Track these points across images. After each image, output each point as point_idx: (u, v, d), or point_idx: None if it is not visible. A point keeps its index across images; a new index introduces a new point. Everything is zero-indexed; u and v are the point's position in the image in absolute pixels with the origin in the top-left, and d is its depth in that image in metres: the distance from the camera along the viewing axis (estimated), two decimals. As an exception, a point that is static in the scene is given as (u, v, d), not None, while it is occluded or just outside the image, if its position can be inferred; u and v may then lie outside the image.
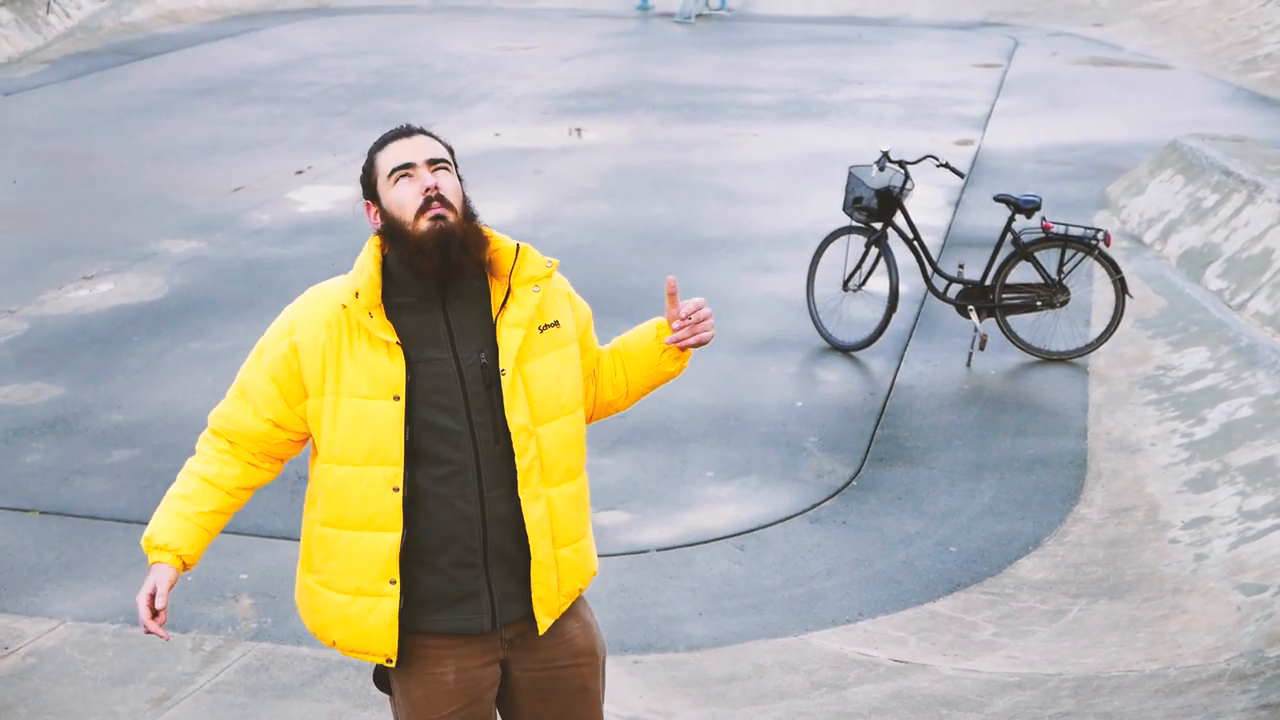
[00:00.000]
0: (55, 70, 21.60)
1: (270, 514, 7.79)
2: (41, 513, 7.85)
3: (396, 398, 3.70)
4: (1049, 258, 9.82)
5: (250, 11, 27.30)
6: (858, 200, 9.96)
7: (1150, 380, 9.41)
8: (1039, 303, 9.85)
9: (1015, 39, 24.17)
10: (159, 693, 6.15)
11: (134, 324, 10.65)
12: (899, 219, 10.09)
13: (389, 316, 3.74)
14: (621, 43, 24.36)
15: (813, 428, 8.97)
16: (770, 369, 9.88)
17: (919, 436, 8.88)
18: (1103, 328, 9.91)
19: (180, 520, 3.98)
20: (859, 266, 10.14)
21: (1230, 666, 5.72)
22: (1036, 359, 9.95)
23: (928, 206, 13.23)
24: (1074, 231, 9.71)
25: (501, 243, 3.83)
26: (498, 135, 17.02)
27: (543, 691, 3.99)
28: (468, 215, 3.77)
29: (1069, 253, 9.72)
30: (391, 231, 3.74)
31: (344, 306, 3.76)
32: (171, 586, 3.88)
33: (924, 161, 10.39)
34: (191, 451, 4.10)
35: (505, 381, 3.74)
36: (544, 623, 3.88)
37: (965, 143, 16.50)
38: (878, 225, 10.02)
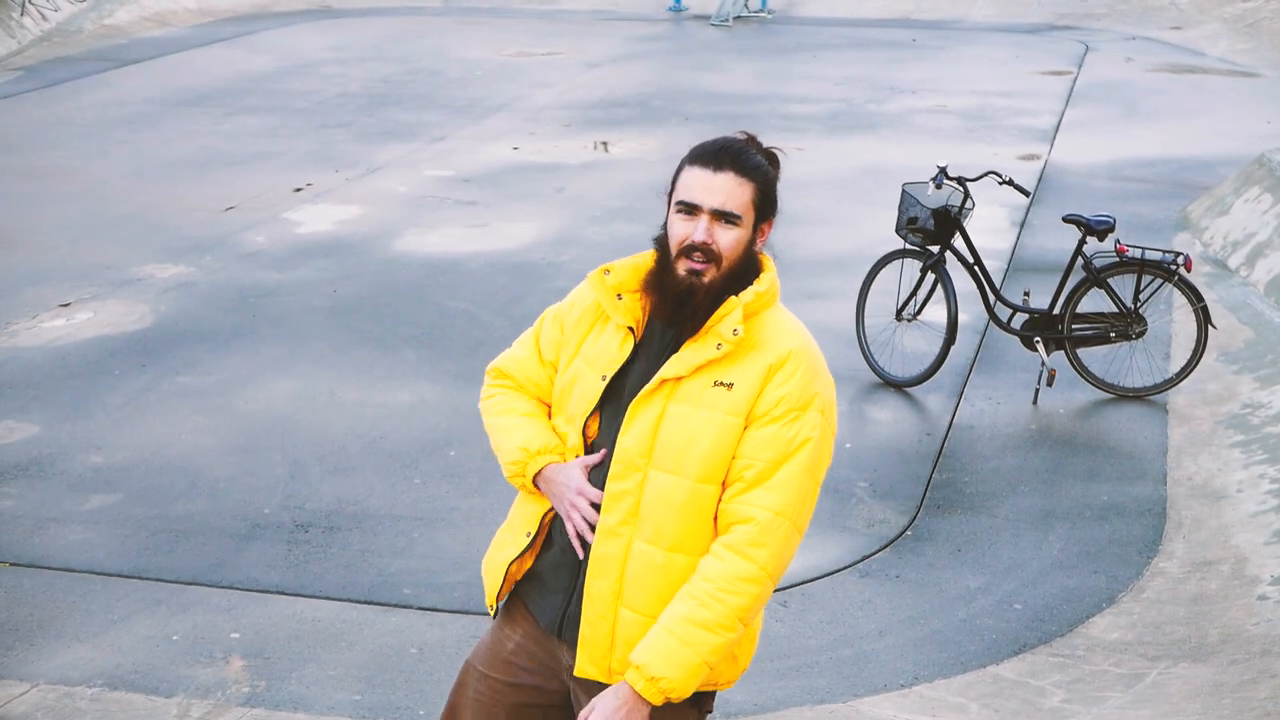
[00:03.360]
0: (30, 77, 21.76)
1: (264, 566, 7.80)
2: (12, 564, 7.87)
3: (604, 378, 4.00)
4: (1124, 284, 9.80)
5: (244, 14, 27.48)
6: (913, 221, 9.96)
7: (1236, 420, 9.38)
8: (1113, 334, 9.83)
9: (1086, 43, 24.19)
10: (141, 762, 6.16)
11: (115, 356, 10.70)
12: (958, 241, 10.09)
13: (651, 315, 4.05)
14: (652, 48, 24.45)
15: (863, 472, 8.96)
16: (815, 407, 9.86)
17: (980, 481, 8.86)
18: (1183, 362, 9.89)
19: (534, 422, 4.17)
20: (914, 294, 10.14)
21: (1327, 738, 5.70)
22: (1110, 396, 9.93)
23: (990, 228, 13.22)
24: (1151, 255, 9.69)
25: (741, 290, 3.98)
26: (516, 149, 17.08)
27: None
28: (735, 270, 3.95)
29: (1146, 279, 9.70)
30: (662, 245, 4.02)
31: (601, 274, 4.09)
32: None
33: (985, 178, 10.39)
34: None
35: (635, 401, 3.95)
36: (584, 669, 4.01)
37: (1031, 158, 16.50)
38: (934, 248, 10.03)
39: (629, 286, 4.04)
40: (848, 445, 9.28)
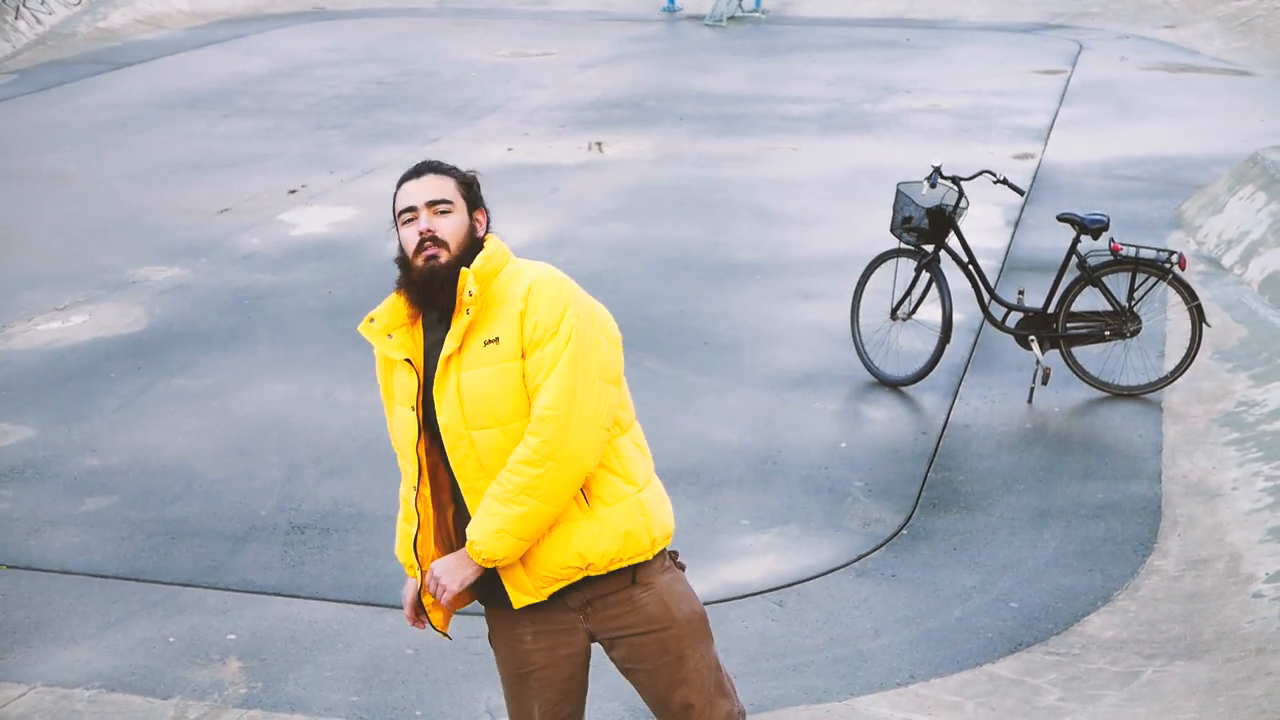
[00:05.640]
0: (25, 81, 21.75)
1: (261, 568, 7.81)
2: (9, 567, 7.88)
3: (412, 408, 4.52)
4: (1118, 283, 9.81)
5: (238, 16, 27.47)
6: (907, 220, 9.97)
7: (1231, 418, 9.38)
8: (1107, 332, 9.84)
9: (1079, 42, 24.19)
10: (138, 764, 6.16)
11: (111, 359, 10.70)
12: (952, 241, 10.09)
13: (426, 330, 4.56)
14: (646, 48, 24.45)
15: (858, 471, 8.96)
16: (811, 407, 9.88)
17: (976, 480, 8.87)
18: (1178, 360, 9.89)
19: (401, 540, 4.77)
20: (908, 293, 10.15)
21: (1322, 735, 5.70)
22: (1105, 394, 9.94)
23: (984, 227, 13.23)
24: (1145, 254, 9.70)
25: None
26: (510, 150, 17.08)
27: (629, 660, 4.66)
28: (465, 251, 4.51)
29: (1140, 277, 9.71)
30: (402, 264, 4.54)
31: (367, 324, 4.57)
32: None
33: (980, 177, 10.39)
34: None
35: (434, 387, 4.48)
36: (520, 599, 4.54)
37: (1025, 156, 16.51)
38: (929, 248, 10.03)
39: (396, 323, 4.54)
40: (843, 445, 9.29)
